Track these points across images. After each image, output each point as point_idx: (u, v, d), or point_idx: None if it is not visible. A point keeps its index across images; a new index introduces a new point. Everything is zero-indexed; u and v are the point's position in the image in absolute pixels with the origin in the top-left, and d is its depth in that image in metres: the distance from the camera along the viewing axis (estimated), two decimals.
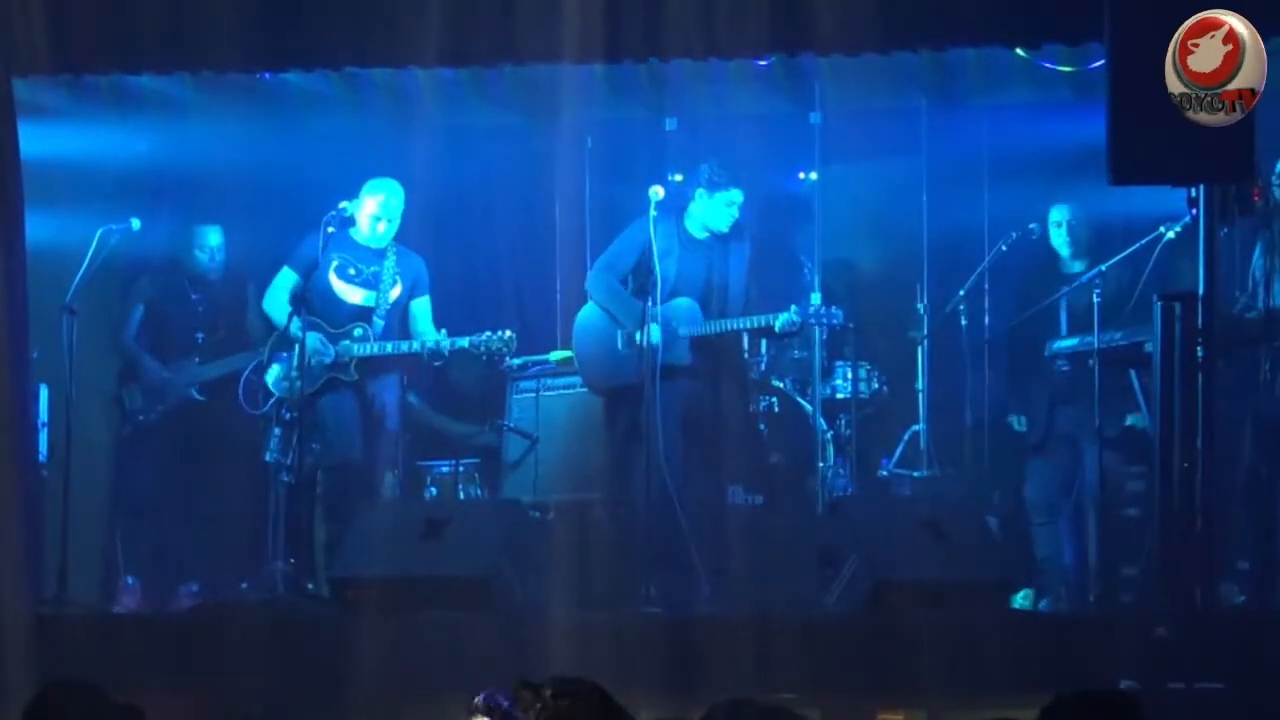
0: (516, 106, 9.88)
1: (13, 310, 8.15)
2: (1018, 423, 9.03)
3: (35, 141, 8.60)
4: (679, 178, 9.13)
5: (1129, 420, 8.54)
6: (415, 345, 8.72)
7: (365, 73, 9.16)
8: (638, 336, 8.43)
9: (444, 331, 8.73)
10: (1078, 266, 8.88)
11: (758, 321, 8.57)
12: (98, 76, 9.04)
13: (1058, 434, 8.78)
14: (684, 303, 8.52)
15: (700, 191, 8.67)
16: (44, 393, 9.12)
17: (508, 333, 8.64)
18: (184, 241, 9.75)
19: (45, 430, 9.14)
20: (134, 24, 8.16)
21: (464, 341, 8.64)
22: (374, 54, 8.43)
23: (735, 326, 8.57)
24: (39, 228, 8.59)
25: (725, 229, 8.68)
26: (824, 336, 9.61)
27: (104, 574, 9.46)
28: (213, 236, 9.74)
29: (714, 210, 8.66)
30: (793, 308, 8.55)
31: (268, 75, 9.29)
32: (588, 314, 8.76)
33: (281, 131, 9.83)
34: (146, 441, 9.58)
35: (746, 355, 9.48)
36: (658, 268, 8.39)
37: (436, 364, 8.78)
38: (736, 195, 8.67)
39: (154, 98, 9.45)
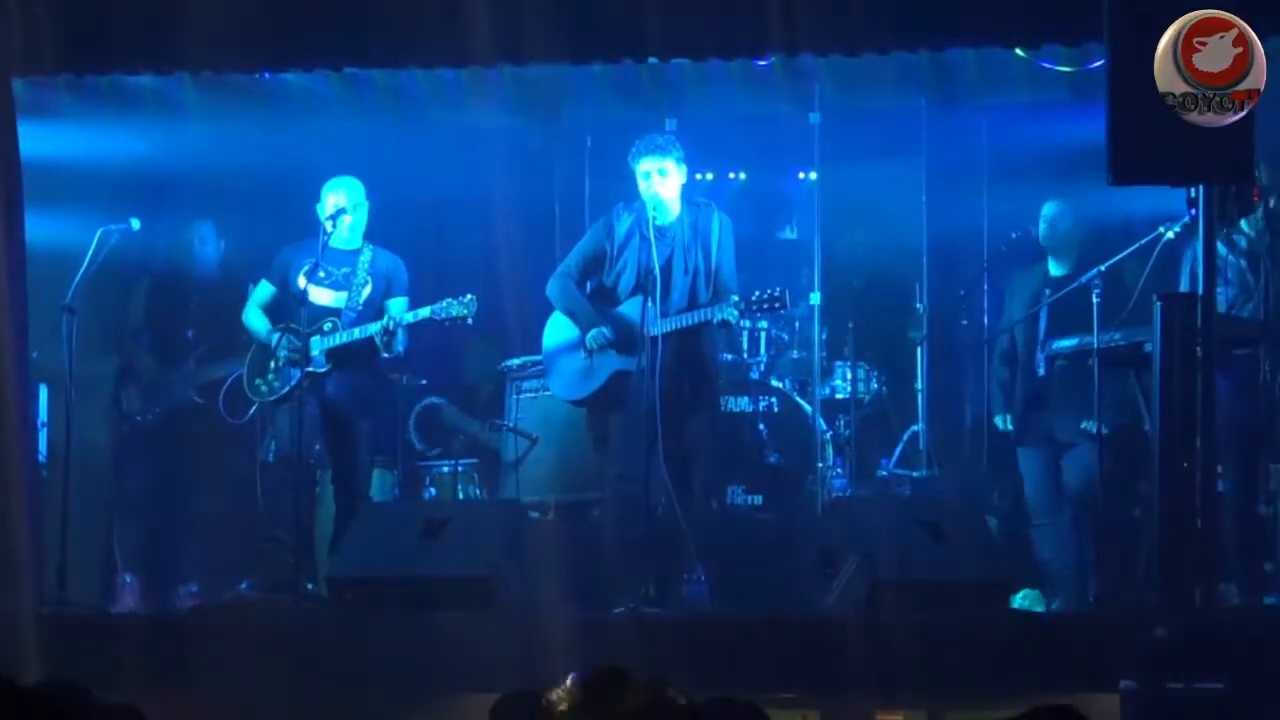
0: (516, 106, 9.87)
1: (13, 310, 8.15)
2: (1001, 422, 9.02)
3: (35, 141, 8.61)
4: None
5: (1083, 424, 8.47)
6: (379, 325, 8.62)
7: (365, 73, 9.16)
8: (589, 341, 8.34)
9: (392, 316, 8.56)
10: (1059, 269, 8.86)
11: (699, 317, 8.18)
12: (98, 76, 9.04)
13: (1054, 434, 8.77)
14: (638, 301, 8.20)
15: (634, 167, 8.32)
16: (44, 393, 9.13)
17: (468, 296, 8.49)
18: (183, 242, 9.76)
19: (45, 430, 9.14)
20: (134, 24, 8.17)
21: (425, 311, 8.55)
22: (374, 54, 8.43)
23: (676, 325, 8.16)
24: (39, 228, 8.59)
25: (664, 201, 8.27)
26: (824, 336, 9.62)
27: (103, 574, 9.47)
28: (212, 237, 9.76)
29: (644, 184, 8.25)
30: (732, 298, 8.18)
31: (267, 75, 9.30)
32: (552, 325, 8.64)
33: (281, 132, 9.83)
34: (146, 442, 9.59)
35: (746, 355, 9.50)
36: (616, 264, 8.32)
37: (393, 349, 8.64)
38: (660, 160, 8.24)
39: (154, 98, 9.45)
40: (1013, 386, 8.93)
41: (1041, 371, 8.71)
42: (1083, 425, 8.37)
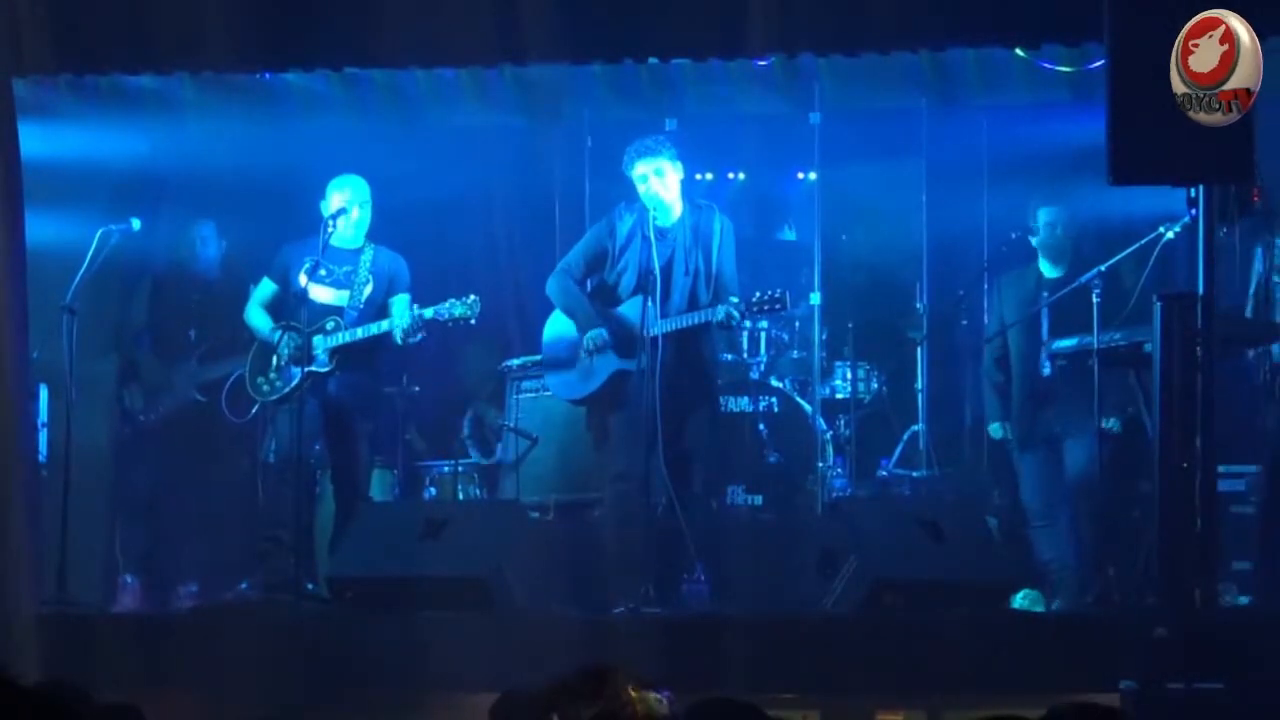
0: (516, 106, 9.88)
1: (13, 310, 8.15)
2: (999, 430, 9.02)
3: (35, 141, 8.61)
4: None
5: (1106, 424, 8.49)
6: (384, 325, 8.63)
7: (365, 73, 9.16)
8: (586, 343, 8.32)
9: (413, 308, 8.58)
10: (1054, 272, 8.86)
11: (699, 318, 8.18)
12: (98, 76, 9.04)
13: (1055, 435, 8.77)
14: (638, 301, 8.19)
15: (630, 173, 8.31)
16: (44, 393, 9.12)
17: (471, 297, 8.48)
18: (184, 241, 9.77)
19: (45, 430, 9.14)
20: (134, 24, 8.17)
21: (429, 312, 8.55)
22: (374, 54, 8.42)
23: (676, 325, 8.16)
24: (39, 228, 8.58)
25: (665, 203, 8.25)
26: (824, 336, 9.62)
27: (104, 574, 9.46)
28: (212, 236, 9.76)
29: (643, 187, 8.24)
30: (732, 299, 8.16)
31: (268, 75, 9.30)
32: (552, 324, 8.63)
33: (281, 132, 9.83)
34: (146, 441, 9.60)
35: (746, 355, 9.50)
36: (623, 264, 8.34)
37: (411, 340, 8.64)
38: (654, 161, 8.22)
39: (154, 98, 9.45)
40: (1009, 391, 8.92)
41: (1047, 371, 8.70)
42: (1103, 424, 8.37)
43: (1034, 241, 8.94)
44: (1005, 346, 8.95)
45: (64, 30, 8.13)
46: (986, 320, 9.47)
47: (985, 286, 9.55)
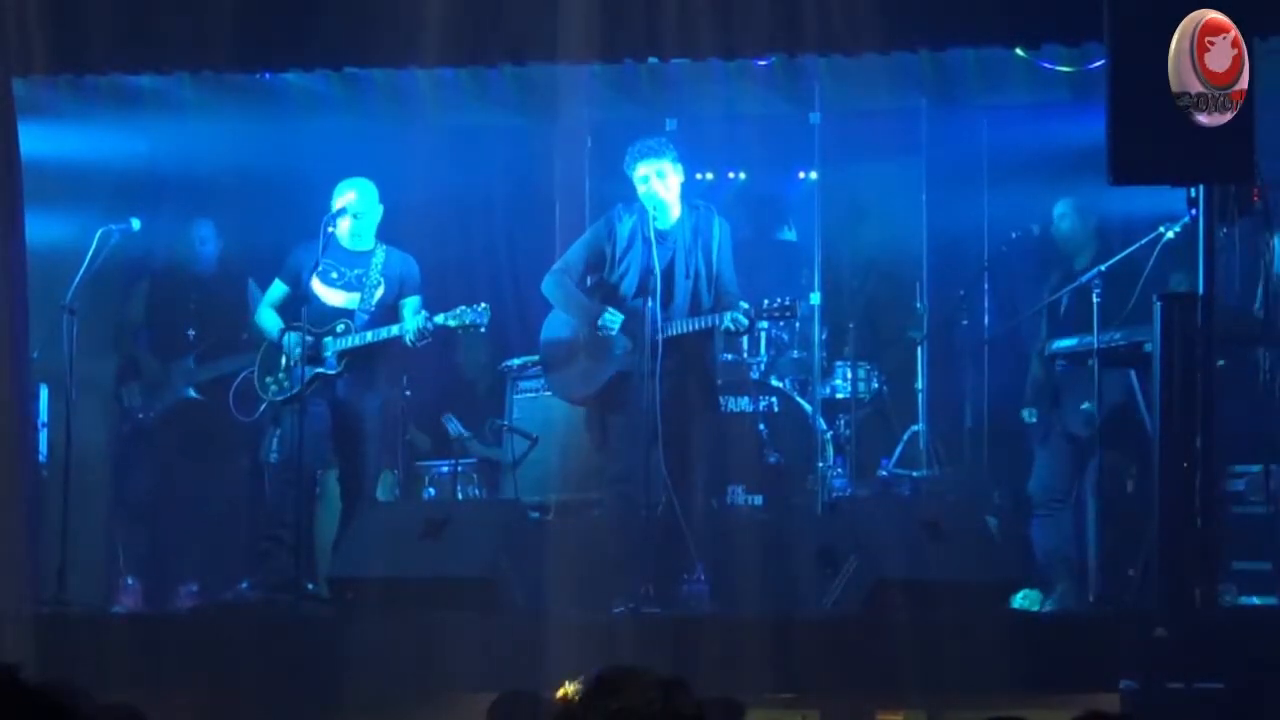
0: (516, 106, 9.88)
1: (13, 310, 8.15)
2: (1029, 415, 9.03)
3: (35, 141, 8.61)
4: None
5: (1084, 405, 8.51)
6: (395, 330, 8.64)
7: (365, 73, 9.16)
8: (603, 324, 8.28)
9: (423, 314, 8.59)
10: (1082, 261, 8.87)
11: (705, 322, 8.20)
12: (98, 76, 9.04)
13: (1055, 431, 8.78)
14: (639, 304, 8.19)
15: (631, 174, 8.32)
16: (44, 393, 9.13)
17: (482, 305, 8.48)
18: (183, 241, 9.77)
19: (45, 430, 9.14)
20: (134, 24, 8.17)
21: (440, 318, 8.56)
22: (374, 54, 8.43)
23: (683, 329, 8.17)
24: (39, 228, 8.59)
25: (665, 204, 8.25)
26: (824, 336, 9.62)
27: (104, 574, 9.47)
28: (212, 236, 9.76)
29: (643, 187, 8.23)
30: (742, 304, 8.18)
31: (267, 75, 9.30)
32: (550, 324, 8.62)
33: (281, 132, 9.83)
34: (146, 441, 9.60)
35: (746, 355, 9.49)
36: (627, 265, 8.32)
37: (421, 343, 8.64)
38: (657, 163, 8.23)
39: (154, 98, 9.44)
40: (1039, 379, 8.94)
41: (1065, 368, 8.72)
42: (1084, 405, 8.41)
43: (1056, 234, 8.98)
44: (1043, 339, 8.97)
45: (64, 30, 8.13)
46: (987, 320, 9.48)
47: (985, 286, 9.55)
